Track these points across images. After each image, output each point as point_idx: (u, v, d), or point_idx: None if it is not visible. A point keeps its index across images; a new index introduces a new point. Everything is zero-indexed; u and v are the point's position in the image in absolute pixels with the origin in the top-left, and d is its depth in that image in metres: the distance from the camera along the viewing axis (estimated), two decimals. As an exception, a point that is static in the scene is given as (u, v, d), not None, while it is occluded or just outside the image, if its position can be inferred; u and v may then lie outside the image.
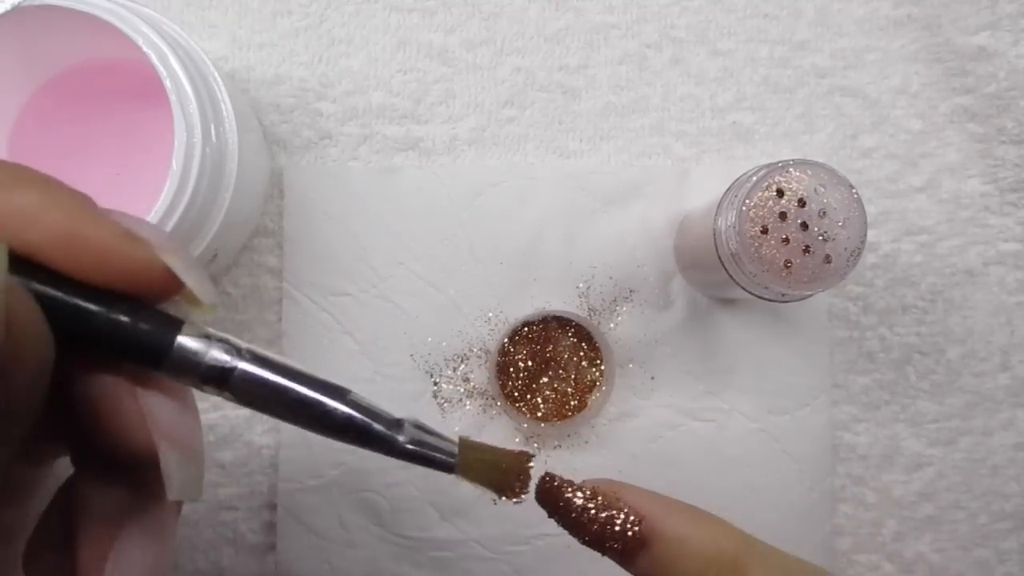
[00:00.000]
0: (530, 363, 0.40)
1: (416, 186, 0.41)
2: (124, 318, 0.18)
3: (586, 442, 0.41)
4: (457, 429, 0.40)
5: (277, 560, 0.40)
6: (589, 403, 0.40)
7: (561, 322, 0.40)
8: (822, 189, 0.31)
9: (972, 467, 0.42)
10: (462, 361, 0.41)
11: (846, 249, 0.31)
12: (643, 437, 0.41)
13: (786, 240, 0.31)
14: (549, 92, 0.42)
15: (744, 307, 0.41)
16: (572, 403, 0.40)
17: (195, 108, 0.31)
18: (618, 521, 0.25)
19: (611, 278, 0.41)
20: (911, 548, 0.42)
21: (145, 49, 0.31)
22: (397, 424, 0.22)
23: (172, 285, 0.19)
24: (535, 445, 0.40)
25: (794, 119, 0.42)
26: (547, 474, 0.27)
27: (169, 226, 0.31)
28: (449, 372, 0.41)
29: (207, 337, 0.19)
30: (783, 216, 0.31)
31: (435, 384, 0.41)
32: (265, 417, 0.40)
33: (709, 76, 0.42)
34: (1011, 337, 0.42)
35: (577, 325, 0.40)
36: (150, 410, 0.19)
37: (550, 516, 0.26)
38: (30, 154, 0.37)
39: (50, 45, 0.35)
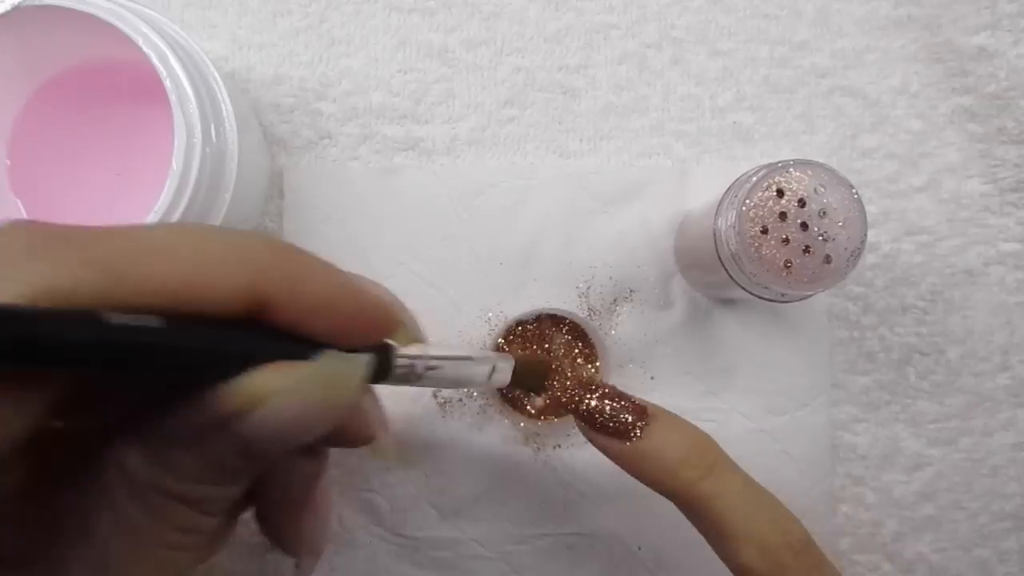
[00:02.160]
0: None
1: (416, 186, 0.41)
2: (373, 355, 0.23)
3: (586, 442, 0.40)
4: (457, 429, 0.40)
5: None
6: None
7: (555, 320, 0.40)
8: (822, 189, 0.31)
9: (972, 467, 0.42)
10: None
11: (846, 249, 0.31)
12: (643, 437, 0.41)
13: (786, 240, 0.31)
14: (549, 92, 0.42)
15: (744, 307, 0.41)
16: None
17: (195, 108, 0.31)
18: (623, 415, 0.31)
19: (611, 278, 0.41)
20: (911, 548, 0.42)
21: (145, 49, 0.31)
22: (487, 371, 0.30)
23: (396, 328, 0.24)
24: (535, 445, 0.40)
25: (794, 119, 0.42)
26: (568, 376, 0.36)
27: (169, 226, 0.31)
28: (449, 372, 0.41)
29: (405, 354, 0.25)
30: (783, 216, 0.31)
31: (435, 384, 0.41)
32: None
33: (709, 76, 0.42)
34: (1011, 337, 0.42)
35: (571, 323, 0.40)
36: (368, 410, 0.24)
37: (572, 412, 0.32)
38: (30, 154, 0.37)
39: (50, 45, 0.35)
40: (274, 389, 0.19)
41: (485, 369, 0.30)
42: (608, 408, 0.31)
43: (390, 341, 0.25)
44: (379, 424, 0.25)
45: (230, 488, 0.21)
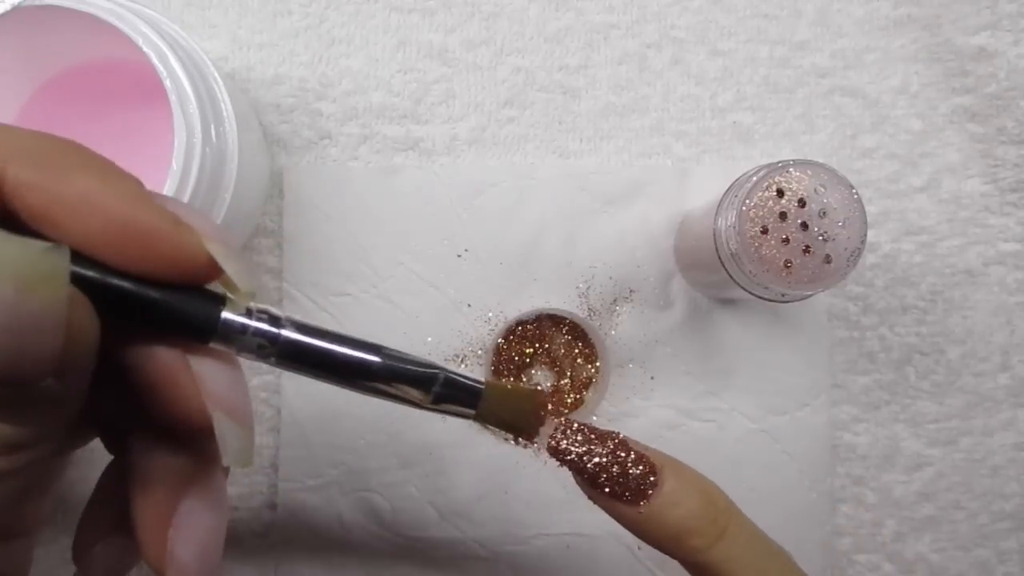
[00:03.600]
0: (526, 362, 0.40)
1: (416, 186, 0.41)
2: (172, 297, 0.19)
3: (586, 442, 0.41)
4: (457, 429, 0.40)
5: (277, 560, 0.40)
6: (586, 400, 0.40)
7: (555, 320, 0.40)
8: (822, 189, 0.31)
9: (972, 467, 0.42)
10: (462, 361, 0.41)
11: (846, 249, 0.31)
12: (643, 437, 0.40)
13: (786, 240, 0.31)
14: (549, 92, 0.42)
15: (744, 307, 0.41)
16: (569, 400, 0.40)
17: (195, 108, 0.31)
18: (632, 471, 0.27)
19: (611, 278, 0.41)
20: (911, 548, 0.42)
21: (145, 49, 0.31)
22: (430, 380, 0.23)
23: (212, 272, 0.19)
24: (536, 446, 0.40)
25: (794, 119, 0.42)
26: (566, 420, 0.28)
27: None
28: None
29: (249, 311, 0.20)
30: (783, 216, 0.31)
31: (435, 384, 0.41)
32: (266, 417, 0.41)
33: (709, 76, 0.42)
34: (1011, 337, 0.42)
35: (571, 323, 0.40)
36: (203, 378, 0.19)
37: (562, 464, 0.28)
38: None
39: (50, 45, 0.35)
40: None
41: (417, 385, 0.23)
42: (617, 467, 0.27)
43: (227, 294, 0.20)
44: (224, 405, 0.20)
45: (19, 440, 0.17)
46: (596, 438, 0.27)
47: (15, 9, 0.31)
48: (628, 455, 0.27)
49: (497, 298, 0.41)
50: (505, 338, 0.40)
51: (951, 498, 0.42)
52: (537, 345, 0.40)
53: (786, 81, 0.42)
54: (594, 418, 0.40)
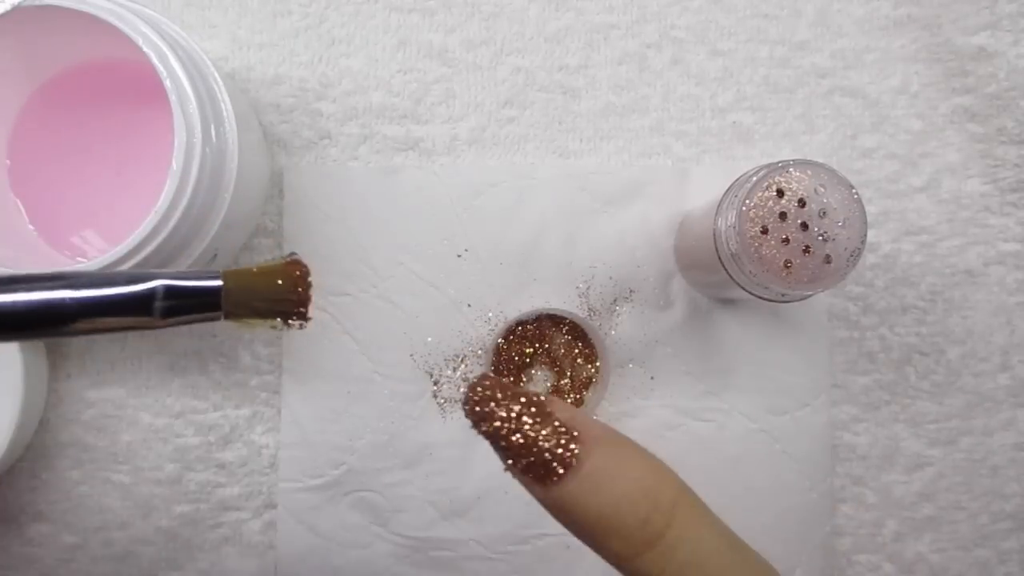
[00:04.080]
0: (526, 362, 0.40)
1: (416, 186, 0.41)
2: None
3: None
4: (457, 429, 0.40)
5: (277, 560, 0.40)
6: (586, 400, 0.40)
7: (555, 320, 0.40)
8: (822, 189, 0.31)
9: (972, 467, 0.42)
10: (462, 361, 0.41)
11: (846, 249, 0.31)
12: (643, 437, 0.40)
13: (786, 240, 0.31)
14: (549, 92, 0.42)
15: (744, 307, 0.41)
16: (569, 400, 0.40)
17: (195, 108, 0.31)
18: (551, 440, 0.22)
19: (611, 278, 0.41)
20: (911, 548, 0.42)
21: (145, 49, 0.31)
22: (147, 298, 0.19)
23: None
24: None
25: (794, 119, 0.42)
26: (484, 375, 0.23)
27: (169, 226, 0.31)
28: (449, 372, 0.41)
29: None
30: (783, 216, 0.31)
31: (435, 384, 0.41)
32: (266, 417, 0.41)
33: (709, 76, 0.42)
34: (1011, 337, 0.42)
35: (571, 323, 0.40)
36: None
37: (475, 425, 0.23)
38: (30, 154, 0.37)
39: (50, 45, 0.35)
40: None
41: (136, 302, 0.19)
42: (521, 435, 0.22)
43: None
44: None
45: None
46: (507, 396, 0.22)
47: (15, 9, 0.31)
48: (541, 421, 0.22)
49: (497, 298, 0.41)
50: (505, 338, 0.40)
51: (951, 498, 0.42)
52: (537, 345, 0.40)
53: (786, 81, 0.42)
54: (594, 417, 0.40)
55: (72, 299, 0.18)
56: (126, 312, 0.19)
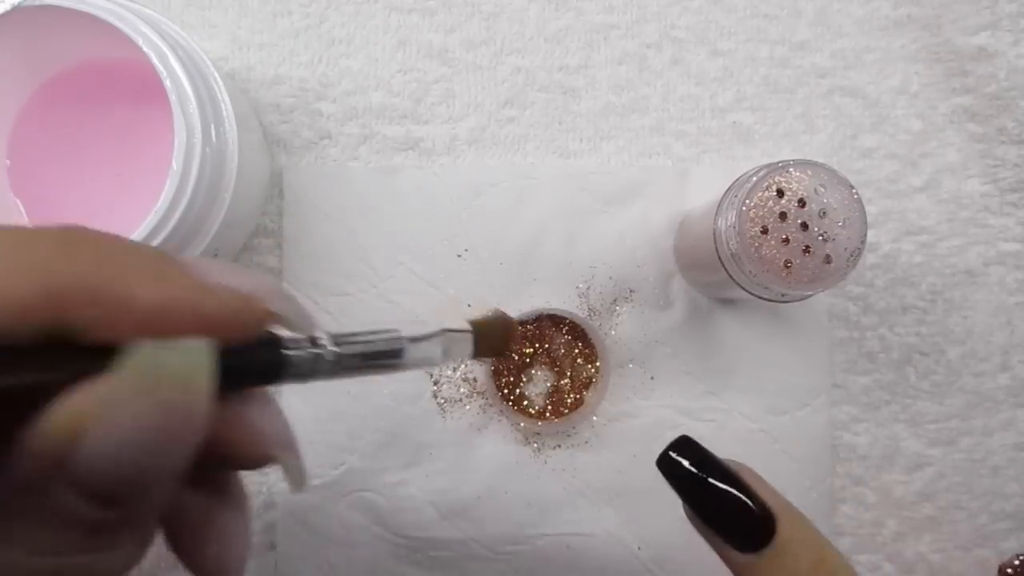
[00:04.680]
0: (525, 362, 0.40)
1: (416, 186, 0.41)
2: (236, 356, 0.19)
3: (586, 442, 0.41)
4: (457, 429, 0.40)
5: (277, 560, 0.40)
6: (586, 400, 0.40)
7: (555, 320, 0.40)
8: (822, 189, 0.31)
9: (972, 467, 0.42)
10: (462, 361, 0.41)
11: (846, 249, 0.31)
12: (643, 437, 0.41)
13: (786, 240, 0.31)
14: (549, 92, 0.42)
15: (744, 307, 0.41)
16: (569, 400, 0.40)
17: (195, 108, 0.31)
18: (751, 511, 0.25)
19: (611, 278, 0.41)
20: (911, 548, 0.42)
21: (145, 49, 0.31)
22: (437, 342, 0.25)
23: (270, 322, 0.20)
24: (535, 445, 0.40)
25: (794, 119, 0.42)
26: (684, 438, 0.26)
27: (169, 226, 0.31)
28: (449, 372, 0.41)
29: (297, 342, 0.21)
30: (783, 216, 0.31)
31: (435, 384, 0.41)
32: (265, 417, 0.41)
33: (709, 76, 0.42)
34: (1011, 337, 0.42)
35: (571, 323, 0.40)
36: (260, 424, 0.19)
37: (674, 484, 0.26)
38: (30, 154, 0.37)
39: (50, 45, 0.35)
40: (87, 409, 0.15)
41: (431, 348, 0.25)
42: (732, 502, 0.24)
43: (279, 330, 0.21)
44: (280, 443, 0.20)
45: (114, 548, 0.17)
46: (712, 465, 0.25)
47: (15, 9, 0.31)
48: (748, 492, 0.24)
49: (497, 298, 0.41)
50: (505, 338, 0.40)
51: (951, 498, 0.42)
52: (537, 345, 0.40)
53: (786, 81, 0.42)
54: (594, 418, 0.40)
55: (405, 348, 0.24)
56: (427, 353, 0.25)
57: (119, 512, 0.16)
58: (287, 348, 0.20)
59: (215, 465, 0.19)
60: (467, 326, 0.27)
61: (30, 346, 0.15)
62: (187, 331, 0.16)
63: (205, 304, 0.17)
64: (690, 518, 0.26)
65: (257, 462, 0.19)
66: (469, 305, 0.41)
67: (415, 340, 0.24)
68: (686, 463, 0.26)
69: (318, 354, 0.21)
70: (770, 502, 0.25)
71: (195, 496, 0.20)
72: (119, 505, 0.16)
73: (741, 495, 0.25)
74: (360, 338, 0.22)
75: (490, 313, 0.29)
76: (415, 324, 0.25)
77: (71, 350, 0.16)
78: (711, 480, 0.25)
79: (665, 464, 0.26)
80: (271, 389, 0.21)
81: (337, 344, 0.21)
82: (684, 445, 0.26)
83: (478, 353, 0.27)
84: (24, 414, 0.15)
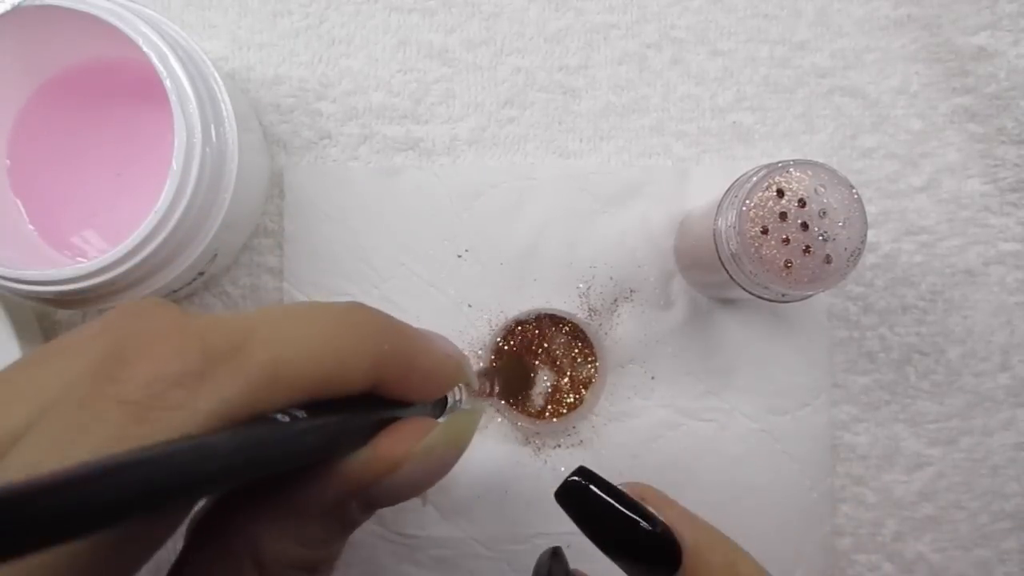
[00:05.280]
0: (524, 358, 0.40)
1: (416, 186, 0.41)
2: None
3: (585, 442, 0.41)
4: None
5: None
6: (585, 400, 0.40)
7: (554, 320, 0.40)
8: (822, 189, 0.31)
9: (972, 467, 0.42)
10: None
11: (846, 249, 0.31)
12: (643, 437, 0.41)
13: (786, 240, 0.31)
14: (549, 92, 0.42)
15: (744, 307, 0.41)
16: (568, 400, 0.40)
17: (195, 108, 0.31)
18: (649, 531, 0.25)
19: (611, 278, 0.41)
20: (911, 548, 0.42)
21: (145, 49, 0.31)
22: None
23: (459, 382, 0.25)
24: (535, 445, 0.40)
25: (794, 119, 0.42)
26: (582, 469, 0.27)
27: (169, 226, 0.31)
28: (449, 372, 0.41)
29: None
30: (783, 216, 0.31)
31: (435, 384, 0.41)
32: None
33: (709, 76, 0.42)
34: (1011, 337, 0.42)
35: (570, 323, 0.40)
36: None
37: (575, 518, 0.27)
38: (30, 154, 0.37)
39: (50, 45, 0.35)
40: (412, 451, 0.20)
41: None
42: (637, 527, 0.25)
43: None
44: (471, 374, 0.26)
45: (345, 537, 0.21)
46: (610, 491, 0.26)
47: (15, 9, 0.31)
48: (635, 519, 0.25)
49: (497, 298, 0.41)
50: (505, 338, 0.40)
51: (951, 498, 0.42)
52: (535, 345, 0.40)
53: (786, 81, 0.42)
54: (594, 418, 0.40)
55: None
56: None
57: (371, 514, 0.21)
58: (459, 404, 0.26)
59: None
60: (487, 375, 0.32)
61: (355, 397, 0.20)
62: (438, 392, 0.22)
63: (447, 370, 0.23)
64: (604, 551, 0.27)
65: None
66: (469, 306, 0.41)
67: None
68: (587, 488, 0.27)
69: (457, 401, 0.26)
70: (674, 523, 0.26)
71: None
72: (375, 509, 0.21)
73: (639, 519, 0.26)
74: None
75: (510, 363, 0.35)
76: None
77: (376, 401, 0.21)
78: (613, 504, 0.26)
79: (563, 496, 0.27)
80: None
81: (458, 396, 0.27)
82: (584, 474, 0.27)
83: (505, 394, 0.33)
84: (343, 449, 0.20)
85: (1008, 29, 0.42)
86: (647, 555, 0.25)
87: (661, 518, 0.26)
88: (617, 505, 0.26)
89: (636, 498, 0.27)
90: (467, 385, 0.26)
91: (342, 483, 0.19)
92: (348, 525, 0.20)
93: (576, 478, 0.27)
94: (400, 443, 0.20)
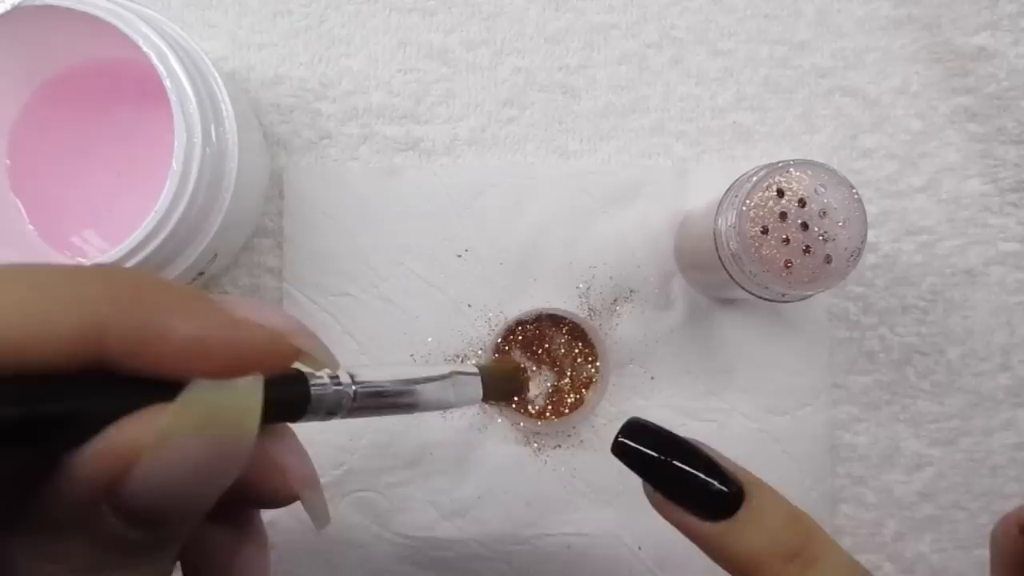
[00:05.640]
0: (525, 362, 0.40)
1: (416, 186, 0.41)
2: (270, 387, 0.19)
3: (586, 442, 0.41)
4: (457, 429, 0.40)
5: (277, 560, 0.40)
6: (586, 400, 0.40)
7: (555, 320, 0.40)
8: (822, 189, 0.31)
9: (972, 467, 0.42)
10: (462, 361, 0.41)
11: (846, 249, 0.31)
12: (643, 437, 0.41)
13: (786, 240, 0.31)
14: (549, 92, 0.42)
15: (744, 307, 0.41)
16: (569, 400, 0.40)
17: (195, 108, 0.31)
18: (721, 478, 0.25)
19: (611, 278, 0.41)
20: (911, 548, 0.42)
21: (145, 49, 0.31)
22: (448, 384, 0.26)
23: (295, 359, 0.20)
24: (535, 445, 0.40)
25: (794, 119, 0.42)
26: (636, 421, 0.27)
27: (169, 226, 0.31)
28: (449, 372, 0.41)
29: (323, 380, 0.21)
30: (783, 216, 0.31)
31: (435, 384, 0.41)
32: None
33: (709, 76, 0.42)
34: (1011, 337, 0.42)
35: (571, 323, 0.40)
36: (283, 461, 0.20)
37: (636, 469, 0.25)
38: (30, 154, 0.37)
39: (50, 45, 0.35)
40: (143, 439, 0.16)
41: (444, 390, 0.26)
42: (702, 472, 0.24)
43: (301, 367, 0.21)
44: (303, 479, 0.21)
45: (145, 565, 0.18)
46: (671, 444, 0.25)
47: (15, 9, 0.31)
48: (711, 463, 0.24)
49: (497, 298, 0.41)
50: (505, 338, 0.40)
51: (951, 498, 0.42)
52: (536, 346, 0.40)
53: (786, 81, 0.42)
54: (594, 418, 0.40)
55: (418, 392, 0.25)
56: (439, 397, 0.26)
57: (156, 534, 0.17)
58: (313, 384, 0.21)
59: (238, 501, 0.19)
60: (475, 370, 0.28)
61: (74, 376, 0.16)
62: (221, 366, 0.17)
63: (238, 339, 0.18)
64: (649, 495, 0.26)
65: (281, 499, 0.20)
66: (469, 306, 0.41)
67: (426, 381, 0.25)
68: (645, 449, 0.25)
69: (339, 391, 0.21)
70: (734, 469, 0.25)
71: (218, 531, 0.20)
72: (157, 528, 0.17)
73: (702, 471, 0.25)
74: (376, 378, 0.23)
75: (504, 363, 0.31)
76: (430, 367, 0.26)
77: (113, 383, 0.16)
78: (674, 462, 0.25)
79: (621, 451, 0.26)
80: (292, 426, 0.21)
81: (356, 383, 0.22)
82: (639, 429, 0.26)
83: (488, 396, 0.28)
84: (71, 442, 0.16)
85: (1008, 29, 0.42)
86: (711, 500, 0.25)
87: (723, 465, 0.25)
88: (681, 465, 0.25)
89: (696, 448, 0.26)
90: (319, 363, 0.21)
91: (73, 485, 0.16)
92: (123, 547, 0.17)
93: (629, 441, 0.26)
94: (129, 430, 0.16)
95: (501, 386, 0.29)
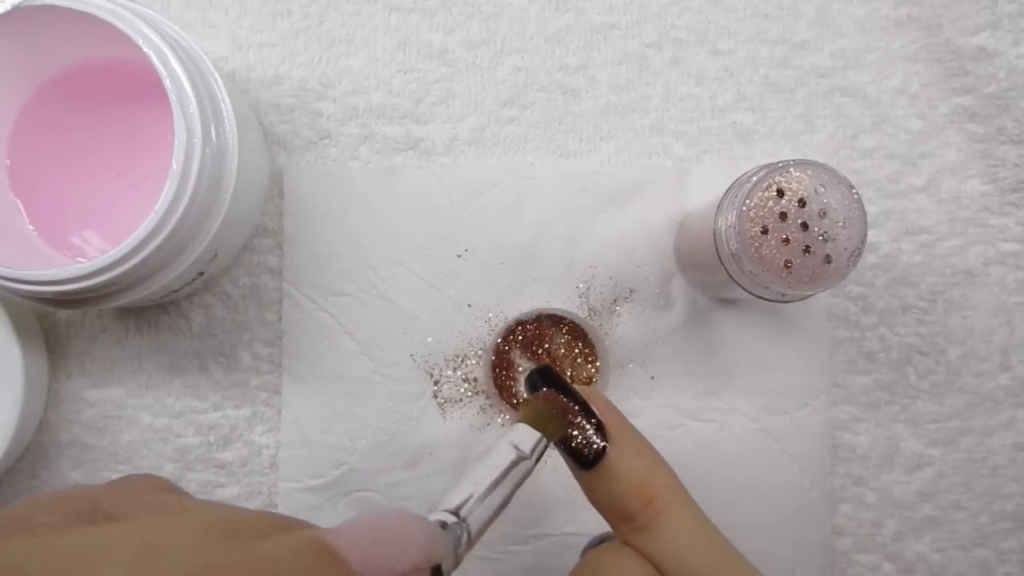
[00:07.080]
0: (525, 362, 0.40)
1: (416, 186, 0.41)
2: None
3: (586, 442, 0.41)
4: (457, 429, 0.40)
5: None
6: (589, 403, 0.40)
7: (555, 320, 0.40)
8: (822, 189, 0.31)
9: (972, 467, 0.42)
10: (462, 361, 0.41)
11: (846, 249, 0.31)
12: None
13: (786, 240, 0.31)
14: (549, 92, 0.42)
15: (744, 307, 0.41)
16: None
17: (195, 108, 0.31)
18: (589, 432, 0.28)
19: (611, 278, 0.41)
20: (911, 548, 0.42)
21: (145, 49, 0.31)
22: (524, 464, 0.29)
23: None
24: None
25: (794, 119, 0.42)
26: (546, 367, 0.31)
27: (169, 226, 0.31)
28: (449, 372, 0.41)
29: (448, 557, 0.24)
30: (783, 216, 0.31)
31: (435, 384, 0.41)
32: (266, 417, 0.41)
33: (709, 76, 0.42)
34: (1011, 337, 0.42)
35: (571, 323, 0.40)
36: None
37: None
38: (30, 154, 0.37)
39: (50, 45, 0.35)
40: None
41: (523, 469, 0.28)
42: (579, 420, 0.28)
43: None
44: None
45: None
46: (564, 389, 0.28)
47: (15, 9, 0.31)
48: (586, 420, 0.28)
49: (497, 298, 0.41)
50: (505, 338, 0.40)
51: (951, 498, 0.42)
52: (536, 346, 0.40)
53: (786, 81, 0.42)
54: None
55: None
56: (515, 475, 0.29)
57: None
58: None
59: None
60: (533, 433, 0.29)
61: None
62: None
63: (427, 562, 0.22)
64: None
65: None
66: (469, 306, 0.41)
67: (504, 476, 0.28)
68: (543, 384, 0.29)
69: (458, 549, 0.25)
70: (611, 428, 0.28)
71: None
72: None
73: (581, 416, 0.28)
74: (480, 518, 0.26)
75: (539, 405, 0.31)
76: (487, 454, 0.28)
77: None
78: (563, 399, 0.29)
79: (529, 380, 0.30)
80: None
81: (465, 526, 0.26)
82: (546, 371, 0.30)
83: (549, 437, 0.29)
84: None
85: (1008, 29, 0.42)
86: (577, 450, 0.28)
87: (600, 420, 0.28)
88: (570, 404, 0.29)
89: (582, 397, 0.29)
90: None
91: None
92: None
93: (537, 376, 0.30)
94: None
95: (549, 429, 0.30)
